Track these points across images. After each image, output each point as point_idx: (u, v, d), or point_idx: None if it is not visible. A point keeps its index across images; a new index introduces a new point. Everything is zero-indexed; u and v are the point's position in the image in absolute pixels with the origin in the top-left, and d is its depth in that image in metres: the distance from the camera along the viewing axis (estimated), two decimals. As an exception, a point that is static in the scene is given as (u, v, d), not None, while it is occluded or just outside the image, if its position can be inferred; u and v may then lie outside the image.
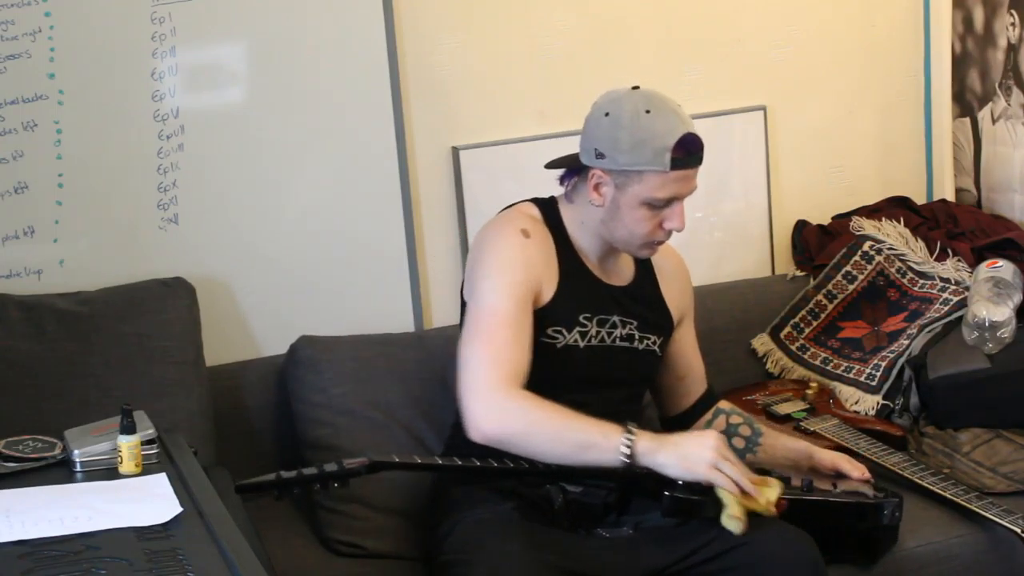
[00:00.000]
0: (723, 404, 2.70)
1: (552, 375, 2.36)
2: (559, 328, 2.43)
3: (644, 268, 2.59)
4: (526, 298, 2.37)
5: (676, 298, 2.63)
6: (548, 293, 2.43)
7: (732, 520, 2.20)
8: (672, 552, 2.26)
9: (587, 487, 2.39)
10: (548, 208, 2.52)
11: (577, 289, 2.46)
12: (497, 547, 2.19)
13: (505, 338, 2.30)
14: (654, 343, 2.55)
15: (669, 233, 2.43)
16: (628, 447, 2.22)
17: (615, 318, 2.49)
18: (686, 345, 2.68)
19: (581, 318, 2.45)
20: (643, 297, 2.56)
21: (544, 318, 2.41)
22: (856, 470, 2.51)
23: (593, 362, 2.45)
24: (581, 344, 2.44)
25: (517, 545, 2.19)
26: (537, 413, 2.25)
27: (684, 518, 2.27)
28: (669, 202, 2.39)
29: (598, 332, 2.46)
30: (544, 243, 2.45)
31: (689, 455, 2.21)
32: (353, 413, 2.73)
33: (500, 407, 2.25)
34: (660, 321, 2.58)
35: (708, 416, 2.67)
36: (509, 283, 2.36)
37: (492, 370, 2.26)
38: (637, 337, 2.52)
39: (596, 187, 2.42)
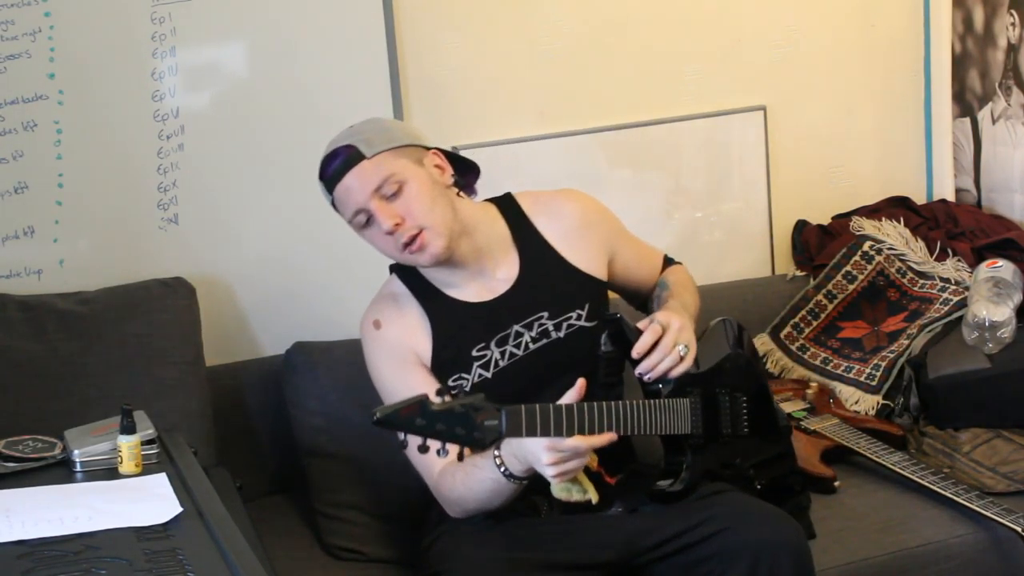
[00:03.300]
0: (666, 274, 2.60)
1: None
2: (458, 375, 2.36)
3: (531, 253, 2.44)
4: (409, 382, 2.33)
5: (593, 249, 2.49)
6: (427, 354, 2.38)
7: (583, 491, 2.19)
8: (658, 533, 2.25)
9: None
10: (403, 269, 2.44)
11: (457, 330, 2.38)
12: (474, 554, 2.20)
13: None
14: (579, 317, 2.41)
15: (399, 229, 2.29)
16: (506, 469, 2.18)
17: (514, 328, 2.39)
18: (627, 264, 2.56)
19: (475, 352, 2.36)
20: (542, 284, 2.42)
21: (439, 374, 2.36)
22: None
23: (515, 379, 2.35)
24: (489, 374, 2.37)
25: (495, 550, 2.19)
26: (456, 496, 2.28)
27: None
28: (366, 214, 2.31)
29: (503, 351, 2.37)
30: (400, 318, 2.40)
31: (535, 468, 2.14)
32: (350, 418, 2.72)
33: (443, 505, 2.33)
34: (577, 291, 2.44)
35: (656, 292, 2.59)
36: (383, 385, 2.39)
37: (428, 477, 2.34)
38: (551, 327, 2.40)
39: None
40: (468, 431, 2.00)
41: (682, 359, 2.30)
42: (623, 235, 2.58)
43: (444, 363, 2.37)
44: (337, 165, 2.33)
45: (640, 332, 2.31)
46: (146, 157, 2.82)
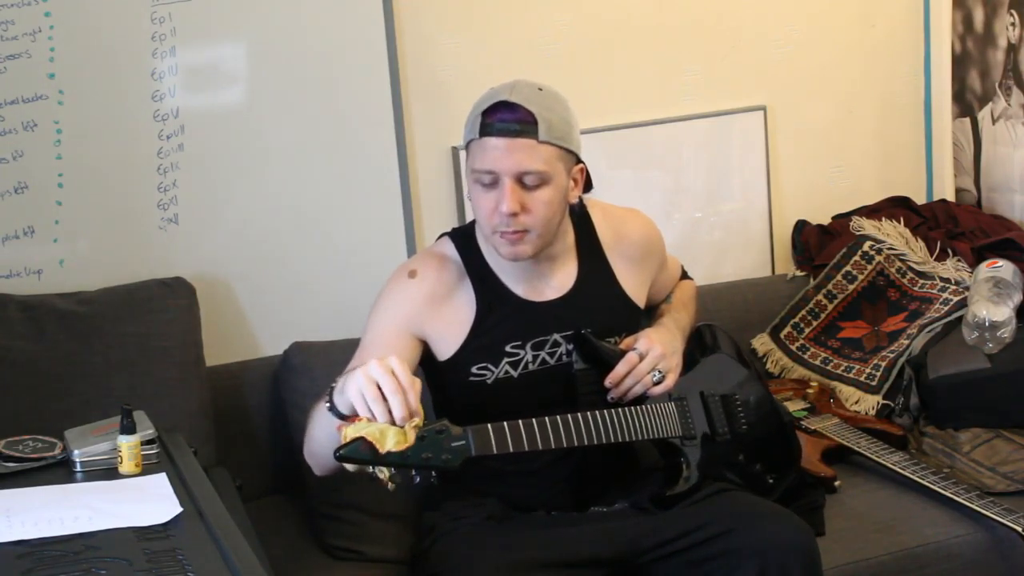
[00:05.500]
0: (674, 288, 2.62)
1: (500, 411, 2.18)
2: (484, 364, 2.34)
3: (589, 269, 2.43)
4: (392, 338, 2.29)
5: (643, 276, 2.51)
6: (456, 331, 2.33)
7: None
8: (662, 531, 2.25)
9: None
10: (464, 239, 2.41)
11: (500, 319, 2.35)
12: (473, 555, 2.20)
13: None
14: (615, 343, 2.41)
15: (508, 219, 2.24)
16: (329, 394, 2.08)
17: (554, 336, 2.36)
18: (658, 284, 2.58)
19: (509, 348, 2.34)
20: (589, 302, 2.41)
21: (464, 358, 2.34)
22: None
23: (536, 386, 2.34)
24: (515, 374, 2.34)
25: (494, 551, 2.19)
26: (309, 432, 2.24)
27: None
28: (496, 179, 2.23)
29: (535, 356, 2.35)
30: (439, 282, 2.34)
31: (351, 380, 2.00)
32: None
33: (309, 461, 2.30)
34: (620, 318, 2.44)
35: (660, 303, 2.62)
36: (374, 324, 2.33)
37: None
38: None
39: None
40: (436, 454, 2.00)
41: (657, 384, 2.33)
42: (665, 260, 2.60)
43: (474, 349, 2.34)
44: (508, 122, 2.23)
45: (614, 347, 2.35)
46: (146, 157, 2.82)
